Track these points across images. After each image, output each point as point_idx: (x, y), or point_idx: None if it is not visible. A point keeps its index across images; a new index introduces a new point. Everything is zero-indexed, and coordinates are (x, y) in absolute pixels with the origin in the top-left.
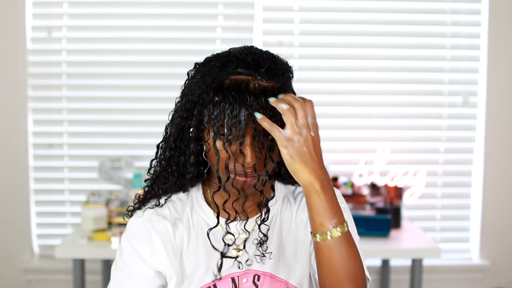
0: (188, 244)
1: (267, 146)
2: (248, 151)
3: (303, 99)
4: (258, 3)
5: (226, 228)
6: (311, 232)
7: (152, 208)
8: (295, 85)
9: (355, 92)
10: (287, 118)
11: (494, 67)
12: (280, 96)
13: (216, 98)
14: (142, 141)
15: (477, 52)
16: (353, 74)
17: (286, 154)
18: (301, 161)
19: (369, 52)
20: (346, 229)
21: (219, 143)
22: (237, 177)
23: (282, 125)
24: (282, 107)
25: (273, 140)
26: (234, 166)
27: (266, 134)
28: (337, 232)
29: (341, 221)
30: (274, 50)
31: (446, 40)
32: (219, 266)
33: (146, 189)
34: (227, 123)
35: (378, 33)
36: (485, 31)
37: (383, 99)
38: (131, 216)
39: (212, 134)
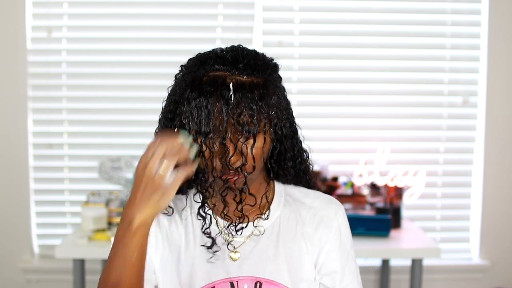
0: (187, 247)
1: (250, 144)
2: (230, 146)
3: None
4: (258, 3)
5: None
6: None
7: None
8: (295, 85)
9: (355, 92)
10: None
11: (494, 67)
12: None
13: (192, 94)
14: (142, 141)
15: (477, 52)
16: (353, 74)
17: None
18: None
19: (369, 52)
20: None
21: (197, 139)
22: (223, 176)
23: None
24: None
25: (257, 135)
26: (212, 162)
27: (248, 129)
28: None
29: None
30: (274, 50)
31: (446, 40)
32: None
33: None
34: (204, 118)
35: (378, 33)
36: (485, 31)
37: (383, 99)
38: None
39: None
